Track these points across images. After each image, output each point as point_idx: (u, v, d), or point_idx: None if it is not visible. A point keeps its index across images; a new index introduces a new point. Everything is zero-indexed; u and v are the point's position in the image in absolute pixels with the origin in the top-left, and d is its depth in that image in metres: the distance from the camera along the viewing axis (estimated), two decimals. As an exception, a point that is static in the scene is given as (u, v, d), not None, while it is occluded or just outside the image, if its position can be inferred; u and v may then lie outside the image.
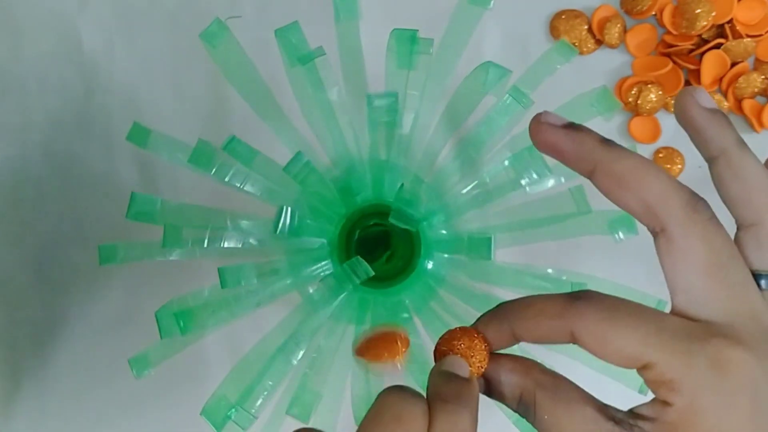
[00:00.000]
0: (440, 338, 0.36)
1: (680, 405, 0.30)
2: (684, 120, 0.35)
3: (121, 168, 0.63)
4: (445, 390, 0.32)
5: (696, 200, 0.32)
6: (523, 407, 0.34)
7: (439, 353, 0.35)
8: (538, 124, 0.34)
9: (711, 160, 0.34)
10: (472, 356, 0.34)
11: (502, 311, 0.34)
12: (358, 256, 0.43)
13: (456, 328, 0.36)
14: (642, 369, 0.31)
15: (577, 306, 0.31)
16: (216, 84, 0.63)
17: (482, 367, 0.34)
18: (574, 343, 0.32)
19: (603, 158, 0.32)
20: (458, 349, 0.35)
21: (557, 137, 0.34)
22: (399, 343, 0.35)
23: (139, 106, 0.64)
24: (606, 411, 0.32)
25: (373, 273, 0.43)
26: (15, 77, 0.64)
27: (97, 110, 0.64)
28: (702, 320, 0.31)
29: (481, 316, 0.35)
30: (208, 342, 0.61)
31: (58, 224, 0.64)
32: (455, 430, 0.31)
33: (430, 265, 0.51)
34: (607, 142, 0.33)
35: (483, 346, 0.34)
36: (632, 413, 0.32)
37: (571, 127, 0.34)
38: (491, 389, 0.35)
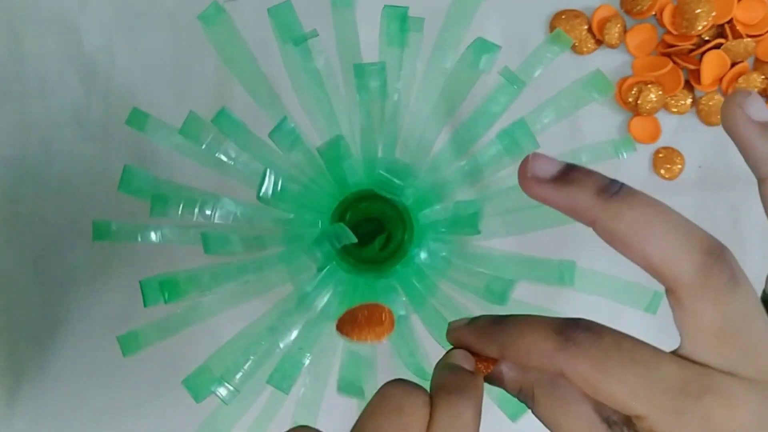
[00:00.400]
0: None
1: None
2: (731, 134, 0.33)
3: (120, 167, 0.63)
4: (448, 382, 0.32)
5: (711, 261, 0.29)
6: (523, 399, 0.33)
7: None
8: (524, 178, 0.31)
9: (761, 180, 0.32)
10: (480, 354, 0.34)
11: (490, 334, 0.32)
12: (341, 223, 0.43)
13: None
14: (633, 416, 0.29)
15: (568, 351, 0.29)
16: (216, 84, 0.63)
17: (490, 366, 0.34)
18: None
19: (600, 216, 0.29)
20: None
21: (546, 193, 0.31)
22: (384, 324, 0.35)
23: (139, 106, 0.63)
24: (602, 411, 0.31)
25: (355, 239, 0.43)
26: (15, 77, 0.64)
27: (97, 110, 0.64)
28: (703, 364, 0.29)
29: (470, 325, 0.34)
30: (204, 341, 0.61)
31: (57, 224, 0.64)
32: (457, 422, 0.30)
33: (422, 252, 0.51)
34: (605, 193, 0.29)
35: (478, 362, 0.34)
36: (627, 418, 0.31)
37: (562, 179, 0.30)
38: (491, 380, 0.34)
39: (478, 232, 0.42)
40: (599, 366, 0.28)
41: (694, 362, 0.29)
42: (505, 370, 0.34)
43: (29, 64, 0.64)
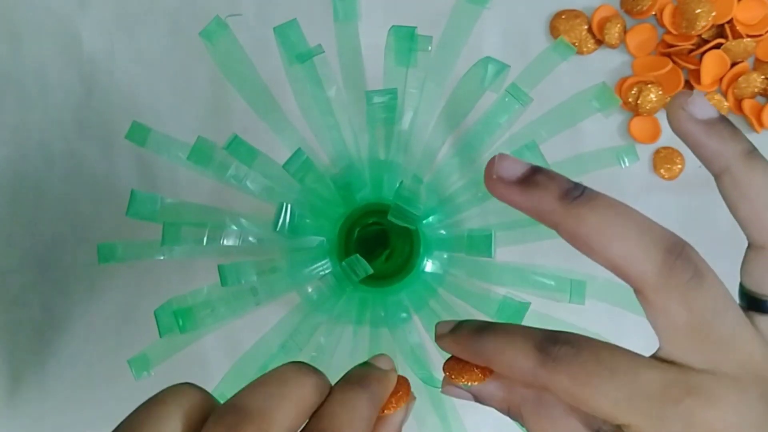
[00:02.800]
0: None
1: None
2: (680, 135, 0.33)
3: (120, 168, 0.63)
4: (353, 375, 0.32)
5: (673, 258, 0.29)
6: (513, 417, 0.34)
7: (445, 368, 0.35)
8: (489, 178, 0.31)
9: (716, 177, 0.32)
10: (462, 375, 0.34)
11: (473, 347, 0.32)
12: (357, 255, 0.43)
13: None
14: (619, 425, 0.29)
15: (548, 367, 0.29)
16: (216, 84, 0.63)
17: (485, 372, 0.34)
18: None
19: (562, 220, 0.30)
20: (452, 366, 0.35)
21: (511, 195, 0.31)
22: (399, 394, 0.35)
23: (139, 106, 0.64)
24: (591, 423, 0.32)
25: (372, 271, 0.43)
26: (15, 77, 0.64)
27: (97, 110, 0.64)
28: (684, 365, 0.29)
29: (453, 335, 0.33)
30: (207, 342, 0.61)
31: (58, 224, 0.64)
32: (347, 411, 0.30)
33: (429, 264, 0.51)
34: (567, 197, 0.30)
35: (476, 369, 0.34)
36: (617, 427, 0.31)
37: (527, 182, 0.31)
38: (481, 399, 0.35)
39: (491, 256, 0.43)
40: (579, 380, 0.29)
41: (673, 363, 0.30)
42: (493, 389, 0.34)
43: (29, 64, 0.64)
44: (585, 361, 0.29)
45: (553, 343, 0.30)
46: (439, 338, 0.34)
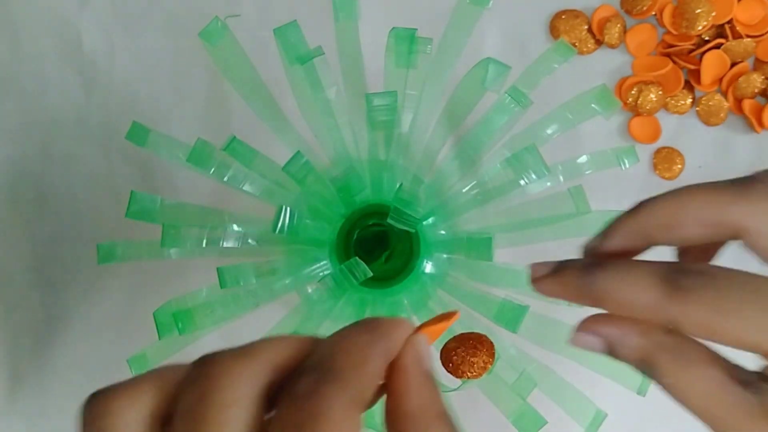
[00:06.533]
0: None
1: None
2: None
3: (120, 168, 0.63)
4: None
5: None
6: (645, 368, 0.31)
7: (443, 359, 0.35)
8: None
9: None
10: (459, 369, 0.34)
11: (582, 287, 0.30)
12: (357, 257, 0.43)
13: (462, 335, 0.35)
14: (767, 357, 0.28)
15: (680, 299, 0.28)
16: (216, 84, 0.63)
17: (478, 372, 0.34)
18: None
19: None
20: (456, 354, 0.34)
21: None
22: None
23: (139, 106, 0.64)
24: (735, 372, 0.29)
25: (371, 274, 0.43)
26: (15, 77, 0.64)
27: (97, 110, 0.64)
28: None
29: (557, 277, 0.31)
30: (207, 342, 0.61)
31: (58, 224, 0.64)
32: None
33: (429, 266, 0.51)
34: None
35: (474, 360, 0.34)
36: (763, 376, 0.29)
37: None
38: (612, 350, 0.31)
39: (491, 260, 0.43)
40: (718, 308, 0.27)
41: None
42: (623, 336, 0.31)
43: (29, 64, 0.64)
44: (720, 287, 0.28)
45: (682, 275, 0.28)
46: (537, 281, 0.32)
